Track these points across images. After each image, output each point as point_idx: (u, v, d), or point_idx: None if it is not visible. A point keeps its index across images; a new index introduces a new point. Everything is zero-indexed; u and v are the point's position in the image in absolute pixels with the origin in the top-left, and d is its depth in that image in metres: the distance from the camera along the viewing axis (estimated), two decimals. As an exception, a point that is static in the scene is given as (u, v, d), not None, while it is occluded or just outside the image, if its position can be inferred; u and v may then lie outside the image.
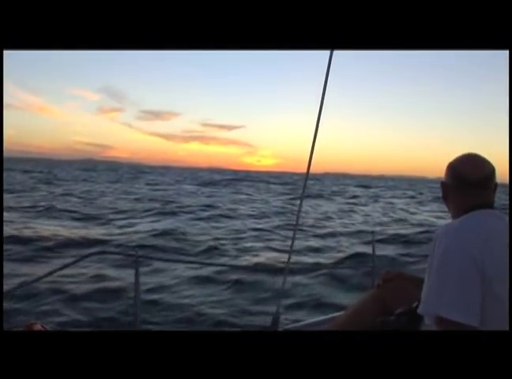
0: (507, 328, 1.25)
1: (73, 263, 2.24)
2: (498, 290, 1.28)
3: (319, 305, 6.31)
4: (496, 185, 1.49)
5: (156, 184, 41.97)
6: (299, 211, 2.20)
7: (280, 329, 2.19)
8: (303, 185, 2.18)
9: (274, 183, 60.44)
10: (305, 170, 2.13)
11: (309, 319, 2.56)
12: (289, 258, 2.08)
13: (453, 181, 1.51)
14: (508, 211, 1.40)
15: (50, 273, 2.15)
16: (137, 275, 2.13)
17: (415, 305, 1.63)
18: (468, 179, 1.46)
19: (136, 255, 2.16)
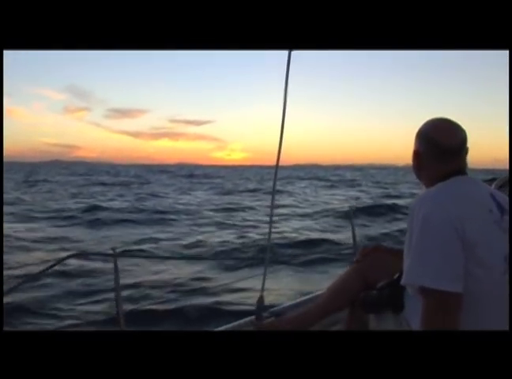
0: (504, 328, 1.24)
1: (52, 266, 2.23)
2: (482, 255, 1.27)
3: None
4: (467, 149, 1.44)
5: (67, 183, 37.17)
6: (272, 203, 2.17)
7: (266, 314, 2.16)
8: (273, 180, 2.12)
9: (211, 177, 59.20)
10: (274, 163, 2.07)
11: (292, 301, 2.54)
12: (269, 240, 2.04)
13: (427, 149, 1.45)
14: (508, 206, 1.40)
15: (26, 281, 2.11)
16: (116, 274, 2.10)
17: (396, 276, 1.61)
18: (444, 146, 1.40)
19: (114, 254, 2.14)
